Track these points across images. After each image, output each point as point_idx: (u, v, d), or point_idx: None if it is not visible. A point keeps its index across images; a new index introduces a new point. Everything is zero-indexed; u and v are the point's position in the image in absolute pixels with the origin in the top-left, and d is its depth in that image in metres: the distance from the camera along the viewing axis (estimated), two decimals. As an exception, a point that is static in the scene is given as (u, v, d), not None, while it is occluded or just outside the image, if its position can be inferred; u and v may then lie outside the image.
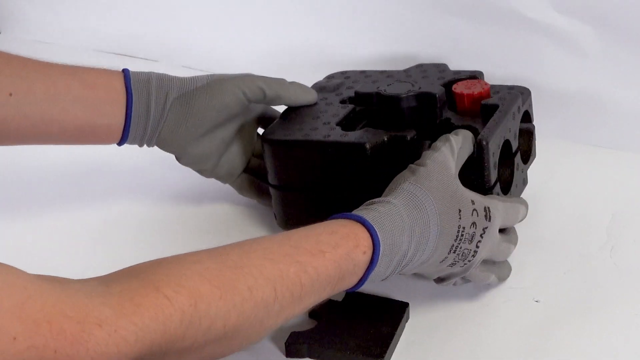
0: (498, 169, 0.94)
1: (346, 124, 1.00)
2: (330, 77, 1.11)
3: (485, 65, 1.12)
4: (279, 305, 0.76)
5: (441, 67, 1.06)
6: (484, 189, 0.92)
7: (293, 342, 0.89)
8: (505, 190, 0.97)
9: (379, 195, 0.89)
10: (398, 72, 1.07)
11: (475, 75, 1.05)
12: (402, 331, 0.91)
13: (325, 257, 0.79)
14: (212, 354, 0.75)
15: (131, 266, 0.74)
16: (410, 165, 0.88)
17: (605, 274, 0.98)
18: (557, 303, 0.94)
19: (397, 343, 0.90)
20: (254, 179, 1.06)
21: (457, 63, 1.15)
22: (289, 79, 1.06)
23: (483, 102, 0.98)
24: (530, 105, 1.03)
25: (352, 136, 0.96)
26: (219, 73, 1.03)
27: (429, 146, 0.95)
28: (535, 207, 1.06)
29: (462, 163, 0.91)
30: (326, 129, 0.98)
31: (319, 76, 1.12)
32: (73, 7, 1.47)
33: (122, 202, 1.12)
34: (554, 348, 0.89)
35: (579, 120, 1.17)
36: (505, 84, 1.03)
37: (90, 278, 0.71)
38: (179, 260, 0.74)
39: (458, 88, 0.99)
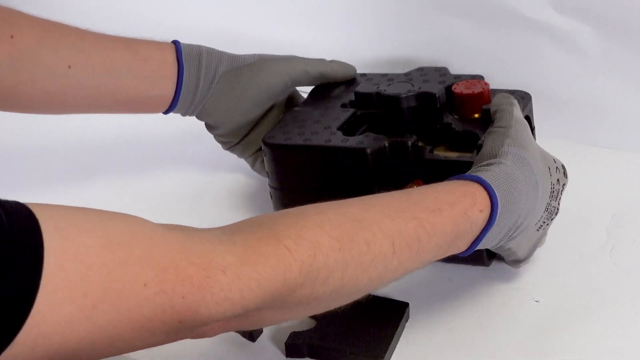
0: None
1: (347, 128, 1.00)
2: (330, 79, 1.11)
3: (486, 67, 1.12)
4: (397, 259, 0.78)
5: (442, 71, 1.06)
6: None
7: (293, 342, 0.89)
8: None
9: None
10: (399, 75, 1.07)
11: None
12: (402, 331, 0.91)
13: (443, 215, 0.80)
14: (328, 305, 0.77)
15: (255, 216, 0.76)
16: (494, 128, 0.89)
17: (605, 274, 0.98)
18: (557, 303, 0.94)
19: (397, 343, 0.90)
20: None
21: (458, 65, 1.16)
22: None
23: (484, 107, 0.98)
24: (531, 110, 1.03)
25: (353, 141, 0.96)
26: (263, 53, 1.07)
27: (430, 151, 0.95)
28: (535, 207, 1.06)
29: None
30: (327, 133, 0.98)
31: (319, 77, 1.12)
32: (73, 7, 1.47)
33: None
34: (554, 348, 0.89)
35: (579, 121, 1.17)
36: (506, 84, 1.04)
37: (215, 227, 0.73)
38: (301, 211, 0.76)
39: (458, 88, 0.99)
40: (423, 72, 1.06)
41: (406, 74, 1.07)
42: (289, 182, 1.00)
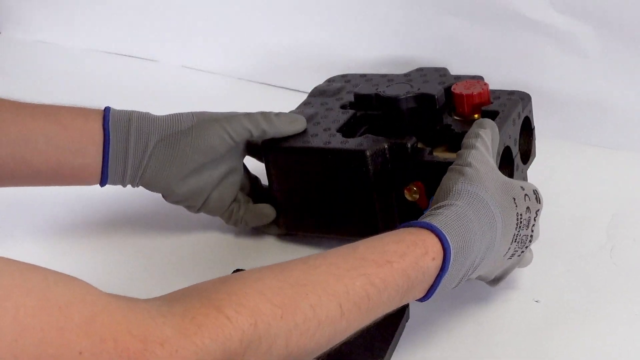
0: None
1: (347, 130, 1.00)
2: (330, 81, 1.11)
3: (486, 66, 1.12)
4: (346, 321, 0.75)
5: (442, 72, 1.06)
6: None
7: None
8: None
9: (380, 202, 0.89)
10: (398, 75, 1.07)
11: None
12: (402, 331, 0.91)
13: (393, 267, 0.77)
14: None
15: (195, 285, 0.73)
16: (452, 167, 0.87)
17: (605, 274, 0.98)
18: (557, 303, 0.94)
19: (397, 343, 0.90)
20: (239, 206, 1.04)
21: (458, 66, 1.15)
22: (288, 80, 1.06)
23: (483, 108, 0.98)
24: (531, 111, 1.03)
25: (352, 143, 0.96)
26: (204, 112, 1.00)
27: (430, 153, 0.95)
28: (535, 207, 1.06)
29: (497, 151, 0.91)
30: (326, 135, 0.98)
31: (320, 78, 1.12)
32: (73, 7, 1.47)
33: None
34: (554, 348, 0.89)
35: (579, 121, 1.18)
36: (506, 84, 1.03)
37: (155, 297, 0.71)
38: (242, 278, 0.74)
39: (457, 89, 0.99)
40: (423, 72, 1.06)
41: (406, 75, 1.06)
42: (288, 184, 1.00)
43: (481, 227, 0.82)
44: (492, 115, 0.96)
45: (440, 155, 0.96)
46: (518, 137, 0.99)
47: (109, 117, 0.97)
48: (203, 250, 1.05)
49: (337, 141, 0.97)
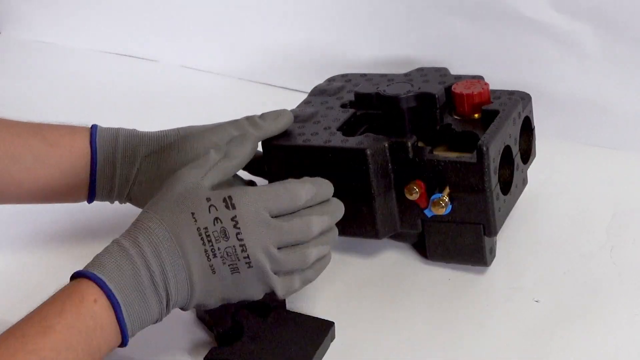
0: (498, 169, 0.94)
1: (347, 128, 1.00)
2: (331, 80, 1.11)
3: (486, 66, 1.12)
4: None
5: (442, 71, 1.06)
6: (484, 194, 0.93)
7: (212, 357, 0.89)
8: (505, 190, 0.97)
9: (380, 201, 0.88)
10: (399, 75, 1.07)
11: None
12: (325, 350, 0.90)
13: (56, 330, 0.75)
14: None
15: None
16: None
17: (605, 274, 0.98)
18: (557, 303, 0.94)
19: None
20: None
21: (458, 65, 1.15)
22: (288, 80, 1.06)
23: (484, 107, 0.98)
24: (531, 110, 1.03)
25: (353, 142, 0.96)
26: (190, 126, 0.99)
27: (430, 152, 0.95)
28: (535, 207, 1.06)
29: (241, 161, 0.90)
30: (327, 134, 0.98)
31: (320, 78, 1.12)
32: (73, 7, 1.47)
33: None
34: (554, 348, 0.89)
35: (579, 121, 1.18)
36: (506, 84, 1.03)
37: None
38: None
39: (457, 88, 0.99)
40: (423, 72, 1.06)
41: (406, 75, 1.06)
42: None
43: (142, 254, 0.80)
44: (493, 114, 0.97)
45: (441, 154, 0.96)
46: (518, 137, 0.99)
47: (96, 135, 0.97)
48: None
49: (338, 140, 0.97)
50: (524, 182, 1.02)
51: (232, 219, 0.83)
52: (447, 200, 0.93)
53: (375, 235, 0.97)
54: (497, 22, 1.17)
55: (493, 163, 0.92)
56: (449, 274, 0.98)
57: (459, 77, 1.04)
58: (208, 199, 0.83)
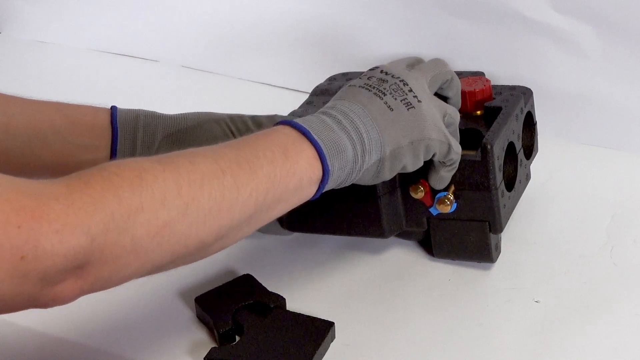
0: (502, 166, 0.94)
1: None
2: (331, 79, 1.10)
3: (486, 66, 1.12)
4: (231, 177, 0.77)
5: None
6: (489, 191, 0.93)
7: (212, 357, 0.89)
8: (509, 186, 0.97)
9: (385, 200, 0.89)
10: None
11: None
12: (325, 350, 0.90)
13: (250, 140, 0.82)
14: (188, 238, 0.75)
15: None
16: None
17: (605, 274, 0.98)
18: (557, 303, 0.94)
19: None
20: None
21: (458, 63, 1.15)
22: (289, 80, 1.06)
23: (486, 104, 0.98)
24: (533, 105, 1.03)
25: None
26: (210, 112, 1.01)
27: None
28: (535, 207, 1.06)
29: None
30: None
31: (320, 77, 1.12)
32: (73, 7, 1.47)
33: None
34: (554, 348, 0.89)
35: (579, 120, 1.18)
36: (506, 84, 1.03)
37: None
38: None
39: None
40: None
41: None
42: None
43: (323, 111, 0.87)
44: (495, 111, 0.97)
45: None
46: (521, 133, 0.99)
47: (117, 114, 0.98)
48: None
49: None
50: (528, 177, 1.03)
51: (382, 72, 0.90)
52: (452, 198, 0.93)
53: (382, 234, 0.97)
54: (497, 22, 1.17)
55: (497, 160, 0.93)
56: (449, 274, 0.98)
57: (459, 74, 1.04)
58: (375, 69, 0.91)
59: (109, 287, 0.74)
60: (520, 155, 0.99)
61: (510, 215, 0.97)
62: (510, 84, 1.03)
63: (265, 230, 1.05)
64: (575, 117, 1.18)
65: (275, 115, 1.01)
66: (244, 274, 0.98)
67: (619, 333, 0.91)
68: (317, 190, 0.85)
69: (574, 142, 1.18)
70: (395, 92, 0.88)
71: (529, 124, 1.03)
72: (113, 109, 0.99)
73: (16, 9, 1.51)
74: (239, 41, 1.37)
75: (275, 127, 0.85)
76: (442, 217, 0.96)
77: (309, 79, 1.16)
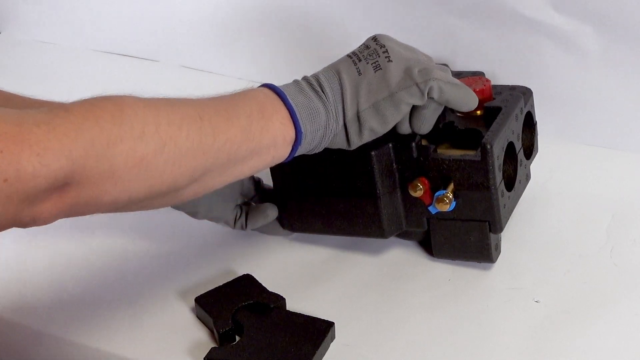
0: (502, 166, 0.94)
1: None
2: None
3: (486, 66, 1.12)
4: (209, 124, 0.80)
5: (443, 68, 1.06)
6: (489, 191, 0.93)
7: (212, 357, 0.89)
8: (509, 186, 0.97)
9: (385, 201, 0.89)
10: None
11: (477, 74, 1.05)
12: (325, 350, 0.90)
13: (223, 98, 0.85)
14: (169, 175, 0.78)
15: None
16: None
17: (605, 274, 0.98)
18: (557, 303, 0.94)
19: None
20: (243, 209, 1.04)
21: (458, 62, 1.15)
22: (289, 79, 1.05)
23: (486, 104, 0.98)
24: (533, 105, 1.03)
25: None
26: None
27: (434, 151, 0.95)
28: (535, 207, 1.06)
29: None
30: None
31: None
32: (73, 7, 1.47)
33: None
34: (554, 348, 0.89)
35: (579, 120, 1.18)
36: (506, 84, 1.03)
37: None
38: None
39: (460, 85, 1.00)
40: None
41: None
42: (293, 184, 0.99)
43: (304, 77, 0.91)
44: (495, 111, 0.97)
45: (445, 153, 0.96)
46: (521, 133, 0.99)
47: None
48: (209, 252, 1.05)
49: None
50: (527, 177, 1.03)
51: (373, 39, 0.93)
52: (451, 196, 0.93)
53: (382, 234, 0.97)
54: (497, 22, 1.17)
55: (497, 160, 0.93)
56: (449, 274, 0.98)
57: (459, 74, 1.04)
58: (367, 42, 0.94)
59: (87, 213, 0.76)
60: (520, 155, 0.99)
61: (510, 215, 0.97)
62: (510, 84, 1.03)
63: (265, 230, 1.05)
64: (575, 117, 1.18)
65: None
66: (244, 274, 0.98)
67: (619, 333, 0.91)
68: (291, 152, 0.87)
69: (574, 142, 1.18)
70: (370, 56, 0.91)
71: (529, 124, 1.03)
72: None
73: (16, 9, 1.51)
74: (239, 41, 1.37)
75: (256, 87, 0.89)
76: (442, 217, 0.96)
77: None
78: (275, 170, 1.00)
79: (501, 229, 0.95)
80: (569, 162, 1.15)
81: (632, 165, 1.14)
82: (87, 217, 1.10)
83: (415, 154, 0.95)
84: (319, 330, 0.90)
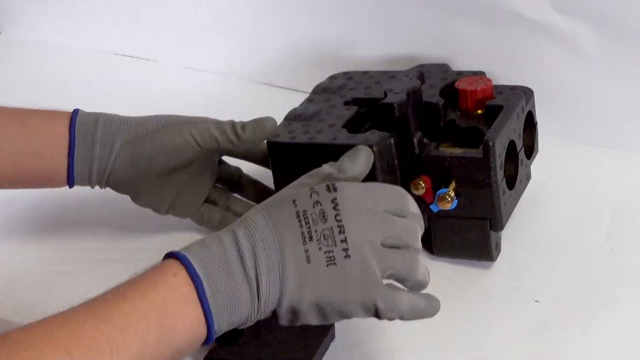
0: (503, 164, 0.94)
1: (352, 126, 1.00)
2: (332, 78, 1.11)
3: (486, 66, 1.11)
4: None
5: (443, 68, 1.06)
6: (490, 189, 0.93)
7: (213, 357, 0.89)
8: (510, 185, 0.97)
9: None
10: (400, 72, 1.07)
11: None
12: (325, 350, 0.90)
13: (127, 298, 0.72)
14: None
15: None
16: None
17: (605, 274, 0.98)
18: (557, 303, 0.94)
19: None
20: (213, 208, 1.03)
21: (458, 63, 1.15)
22: (289, 79, 1.05)
23: (487, 103, 0.98)
24: (533, 105, 1.03)
25: (359, 138, 0.96)
26: (173, 115, 1.00)
27: (436, 148, 0.95)
28: (535, 207, 1.06)
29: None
30: (332, 131, 0.98)
31: (321, 76, 1.12)
32: (73, 7, 1.47)
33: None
34: (554, 348, 0.89)
35: (579, 120, 1.18)
36: (506, 84, 1.04)
37: None
38: None
39: (461, 85, 1.00)
40: (425, 69, 1.06)
41: (407, 71, 1.07)
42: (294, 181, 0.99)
43: (234, 237, 0.76)
44: (496, 110, 0.97)
45: (447, 150, 0.96)
46: (522, 132, 0.99)
47: (76, 120, 0.97)
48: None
49: (344, 137, 0.97)
50: (528, 177, 1.03)
51: (332, 201, 0.77)
52: (453, 195, 0.93)
53: None
54: (497, 22, 1.17)
55: (499, 158, 0.93)
56: (449, 273, 0.98)
57: (460, 73, 1.04)
58: (312, 188, 0.79)
59: None
60: (521, 155, 0.99)
61: (510, 213, 0.97)
62: (511, 84, 1.03)
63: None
64: (575, 117, 1.18)
65: (266, 119, 0.99)
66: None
67: (619, 333, 0.91)
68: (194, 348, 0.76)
69: (574, 142, 1.18)
70: (325, 239, 0.76)
71: (530, 124, 1.03)
72: (74, 113, 0.98)
73: (16, 9, 1.51)
74: (239, 41, 1.37)
75: (166, 267, 0.75)
76: (442, 214, 0.96)
77: (309, 79, 1.16)
78: (277, 169, 1.00)
79: (502, 227, 0.95)
80: (569, 162, 1.15)
81: (632, 165, 1.14)
82: (75, 218, 1.10)
83: (417, 151, 0.95)
84: (319, 330, 0.90)
